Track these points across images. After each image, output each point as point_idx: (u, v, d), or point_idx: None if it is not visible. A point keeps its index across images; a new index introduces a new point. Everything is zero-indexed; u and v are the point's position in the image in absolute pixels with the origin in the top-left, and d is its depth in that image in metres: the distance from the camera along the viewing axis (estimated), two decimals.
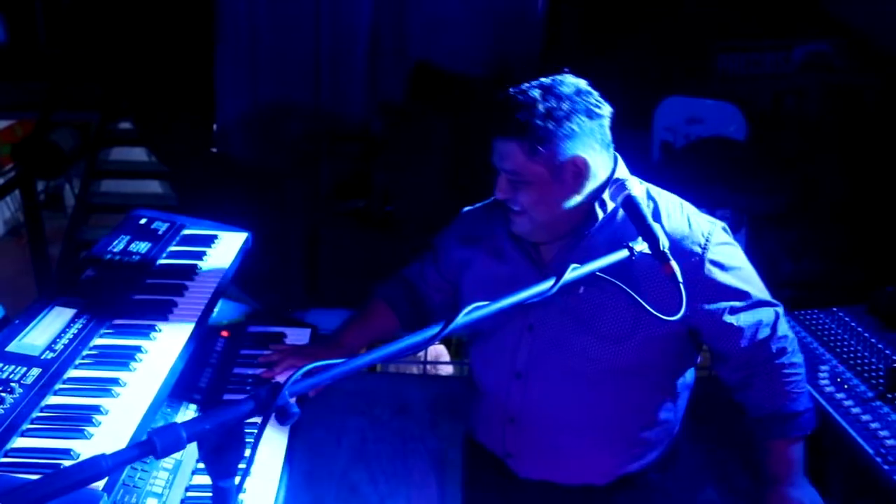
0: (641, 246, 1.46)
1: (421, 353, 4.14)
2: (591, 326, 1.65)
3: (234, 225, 2.32)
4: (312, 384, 1.01)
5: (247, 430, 1.03)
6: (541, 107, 1.55)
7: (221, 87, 4.94)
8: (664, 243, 1.45)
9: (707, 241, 1.65)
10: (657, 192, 1.73)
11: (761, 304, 1.70)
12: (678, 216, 1.68)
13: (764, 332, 1.70)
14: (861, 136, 4.28)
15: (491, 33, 4.63)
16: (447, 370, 4.09)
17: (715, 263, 1.65)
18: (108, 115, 5.80)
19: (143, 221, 2.19)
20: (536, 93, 1.57)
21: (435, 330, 1.13)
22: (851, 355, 2.27)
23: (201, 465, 1.57)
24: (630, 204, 1.53)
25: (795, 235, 4.13)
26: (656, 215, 1.65)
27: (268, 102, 4.86)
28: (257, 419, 0.97)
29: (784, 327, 1.73)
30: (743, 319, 1.68)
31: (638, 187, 1.57)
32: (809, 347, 2.34)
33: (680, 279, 1.42)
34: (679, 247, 1.61)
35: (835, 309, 2.51)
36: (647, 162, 4.21)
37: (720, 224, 1.73)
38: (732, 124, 4.19)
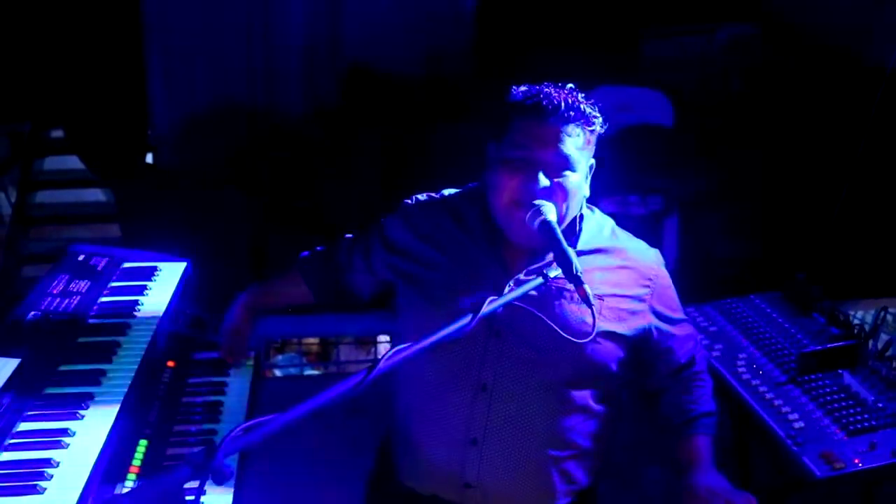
0: (556, 271, 1.55)
1: (371, 353, 4.24)
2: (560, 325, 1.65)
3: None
4: (248, 443, 1.10)
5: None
6: (591, 107, 1.64)
7: (154, 95, 4.90)
8: (577, 267, 1.54)
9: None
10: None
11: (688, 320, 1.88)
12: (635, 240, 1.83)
13: (694, 347, 1.87)
14: (781, 115, 4.46)
15: (423, 33, 4.67)
16: None
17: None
18: (40, 124, 5.69)
19: (81, 258, 2.22)
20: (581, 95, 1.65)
21: (359, 378, 1.22)
22: (767, 342, 2.43)
23: None
24: (545, 228, 1.59)
25: (725, 216, 4.31)
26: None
27: (203, 108, 4.84)
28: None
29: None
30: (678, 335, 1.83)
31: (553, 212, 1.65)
32: (729, 336, 2.50)
33: (593, 302, 1.52)
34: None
35: (752, 296, 2.67)
36: None
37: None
38: (660, 111, 4.34)
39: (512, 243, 1.69)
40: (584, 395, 1.73)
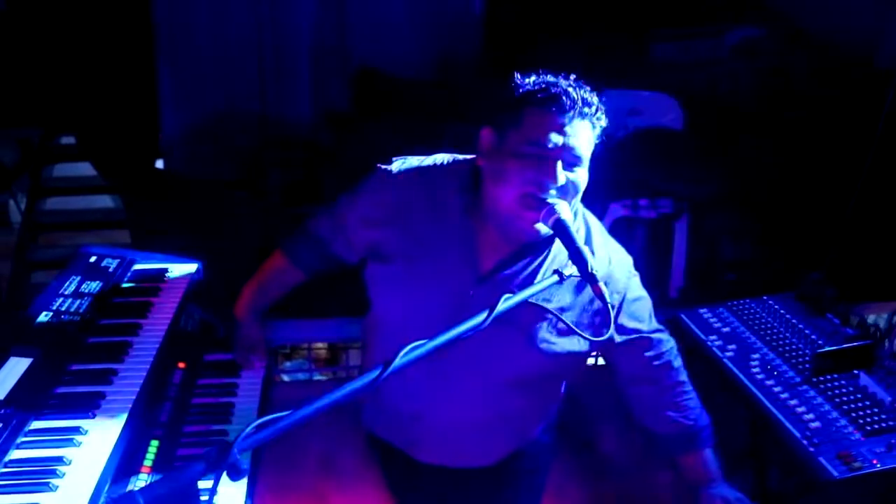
0: (570, 269, 1.54)
1: None
2: (523, 336, 1.70)
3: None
4: (261, 439, 1.09)
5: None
6: (596, 97, 1.62)
7: (164, 99, 4.92)
8: (592, 265, 1.51)
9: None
10: (589, 214, 1.81)
11: (662, 329, 1.89)
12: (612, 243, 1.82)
13: (673, 356, 1.90)
14: (792, 117, 4.44)
15: (431, 35, 4.68)
16: None
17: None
18: (50, 131, 5.71)
19: (92, 259, 2.22)
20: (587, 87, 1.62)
21: (373, 375, 1.21)
22: (781, 342, 2.41)
23: None
24: (560, 227, 1.57)
25: (736, 219, 4.28)
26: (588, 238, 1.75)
27: (213, 113, 4.85)
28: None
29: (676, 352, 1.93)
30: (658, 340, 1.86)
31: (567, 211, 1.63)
32: (742, 337, 2.48)
33: (609, 300, 1.50)
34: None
35: (765, 297, 2.65)
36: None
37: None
38: (669, 114, 4.32)
39: (491, 234, 1.66)
40: (530, 390, 1.82)
